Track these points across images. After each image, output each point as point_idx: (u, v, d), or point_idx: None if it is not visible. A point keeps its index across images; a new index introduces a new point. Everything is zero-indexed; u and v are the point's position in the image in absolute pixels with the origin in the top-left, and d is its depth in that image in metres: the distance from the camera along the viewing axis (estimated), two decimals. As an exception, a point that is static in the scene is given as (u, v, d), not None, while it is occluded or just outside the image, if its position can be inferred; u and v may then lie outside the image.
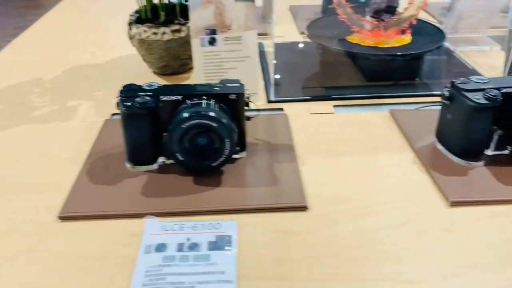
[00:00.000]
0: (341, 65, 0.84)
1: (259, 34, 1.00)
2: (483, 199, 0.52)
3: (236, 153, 0.58)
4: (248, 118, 0.60)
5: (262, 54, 0.91)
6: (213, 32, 0.72)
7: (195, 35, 0.72)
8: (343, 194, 0.54)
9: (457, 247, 0.46)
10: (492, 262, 0.45)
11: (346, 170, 0.58)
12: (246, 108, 0.57)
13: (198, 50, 0.72)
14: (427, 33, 0.85)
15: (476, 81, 0.57)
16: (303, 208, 0.51)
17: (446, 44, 0.95)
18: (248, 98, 0.57)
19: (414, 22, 0.78)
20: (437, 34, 0.85)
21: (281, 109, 0.73)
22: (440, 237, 0.47)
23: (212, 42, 0.72)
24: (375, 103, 0.74)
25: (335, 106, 0.74)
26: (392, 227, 0.49)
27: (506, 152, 0.57)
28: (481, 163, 0.57)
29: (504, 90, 0.55)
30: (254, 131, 0.65)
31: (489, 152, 0.58)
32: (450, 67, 0.89)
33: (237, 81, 0.58)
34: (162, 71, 0.84)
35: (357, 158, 0.60)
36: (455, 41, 0.97)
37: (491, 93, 0.54)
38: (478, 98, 0.54)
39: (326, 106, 0.74)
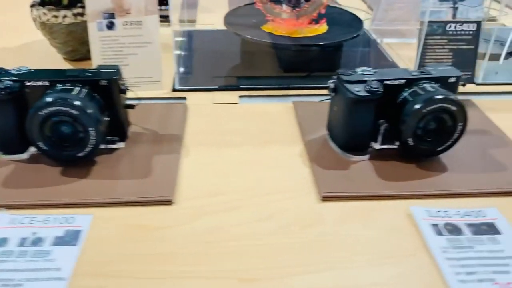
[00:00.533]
0: (255, 55, 0.82)
1: (188, 21, 0.98)
2: (354, 194, 0.50)
3: (112, 143, 0.55)
4: (130, 106, 0.57)
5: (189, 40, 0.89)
6: (111, 16, 0.68)
7: (92, 19, 0.68)
8: (218, 188, 0.51)
9: (316, 243, 0.45)
10: (350, 259, 0.43)
11: (232, 162, 0.56)
12: (124, 95, 0.55)
13: (96, 35, 0.69)
14: (347, 23, 0.83)
15: (361, 72, 0.55)
16: (167, 202, 0.49)
17: (374, 35, 0.94)
18: (124, 85, 0.54)
19: (323, 11, 0.76)
20: (357, 24, 0.83)
21: (184, 98, 0.71)
22: (301, 232, 0.46)
23: (110, 26, 0.69)
24: (283, 95, 0.72)
25: (242, 96, 0.72)
26: (256, 221, 0.47)
27: (394, 146, 0.56)
28: (366, 157, 0.56)
29: (387, 83, 0.54)
30: (144, 120, 0.62)
31: (377, 146, 0.56)
32: (369, 59, 0.87)
33: (115, 66, 0.55)
34: (71, 57, 0.80)
35: (247, 150, 0.58)
36: (384, 33, 0.96)
37: (371, 85, 0.52)
38: (359, 90, 0.52)
39: (232, 96, 0.71)
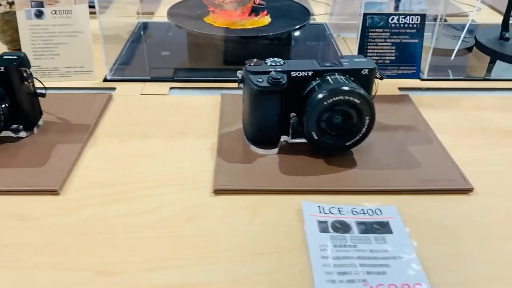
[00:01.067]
0: (194, 47, 0.80)
1: (143, 13, 0.97)
2: (247, 188, 0.48)
3: (16, 131, 0.54)
4: (40, 95, 0.56)
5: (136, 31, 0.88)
6: (39, 4, 0.68)
7: (20, 7, 0.68)
8: (112, 179, 0.50)
9: (193, 238, 0.43)
10: (222, 254, 0.41)
11: (137, 154, 0.54)
12: (28, 84, 0.54)
13: (24, 24, 0.68)
14: (294, 16, 0.81)
15: (270, 63, 0.53)
16: (53, 192, 0.47)
17: (331, 29, 0.92)
18: (27, 72, 0.53)
19: (257, 2, 0.74)
20: (304, 17, 0.81)
21: (114, 89, 0.70)
22: (181, 226, 0.44)
23: (39, 15, 0.68)
24: (216, 87, 0.70)
25: (172, 88, 0.70)
26: (138, 214, 0.45)
27: (304, 140, 0.53)
28: (274, 151, 0.54)
29: (293, 74, 0.51)
30: (61, 110, 0.61)
31: (288, 139, 0.54)
32: (318, 52, 0.85)
33: (20, 53, 0.54)
34: (13, 46, 0.79)
35: (158, 142, 0.57)
36: (343, 27, 0.94)
37: (273, 76, 0.50)
38: (261, 81, 0.51)
39: (162, 88, 0.70)
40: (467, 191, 0.49)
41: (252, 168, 0.51)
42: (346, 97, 0.49)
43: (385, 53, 0.73)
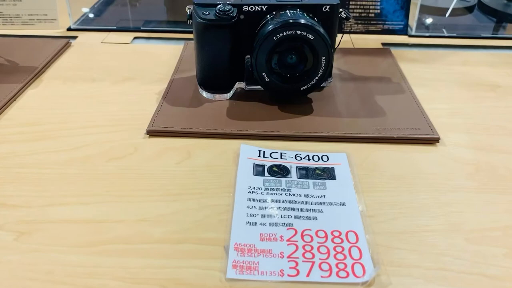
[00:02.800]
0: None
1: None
2: (182, 130, 0.43)
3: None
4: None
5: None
6: None
7: None
8: (44, 118, 0.46)
9: (109, 176, 0.38)
10: (137, 193, 0.36)
11: (77, 97, 0.50)
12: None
13: (-17, -34, 0.65)
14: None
15: (223, -3, 0.48)
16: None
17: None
18: None
19: None
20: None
21: (75, 37, 0.66)
22: (101, 165, 0.40)
23: (-2, -43, 0.65)
24: (183, 38, 0.65)
25: (136, 38, 0.66)
26: (58, 151, 0.41)
27: (259, 87, 0.48)
28: (225, 96, 0.49)
29: (246, 8, 0.46)
30: (10, 53, 0.57)
31: (244, 85, 0.49)
32: None
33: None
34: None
35: (105, 86, 0.52)
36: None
37: (222, 9, 0.45)
38: (207, 13, 0.46)
39: (126, 37, 0.66)
40: (432, 141, 0.43)
41: (196, 112, 0.47)
42: (298, 32, 0.43)
43: (369, 5, 0.67)
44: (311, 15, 0.46)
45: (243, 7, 0.46)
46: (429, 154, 0.42)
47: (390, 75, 0.55)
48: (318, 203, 0.35)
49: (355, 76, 0.55)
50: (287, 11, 0.45)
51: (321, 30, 0.44)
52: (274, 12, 0.46)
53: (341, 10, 0.48)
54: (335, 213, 0.35)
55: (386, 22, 0.68)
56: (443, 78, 0.55)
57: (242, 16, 0.47)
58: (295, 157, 0.41)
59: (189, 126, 0.44)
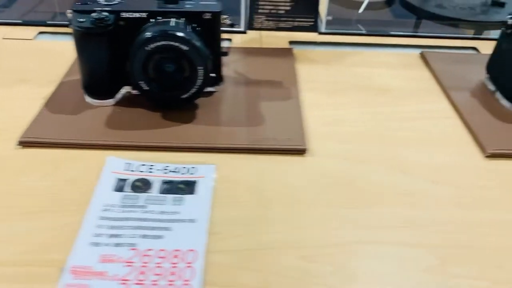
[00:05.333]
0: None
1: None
2: (52, 141, 0.43)
3: None
4: None
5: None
6: None
7: None
8: None
9: None
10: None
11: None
12: None
13: None
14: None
15: (105, 2, 0.47)
16: None
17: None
18: None
19: None
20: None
21: (-22, 32, 0.64)
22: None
23: None
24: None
25: (42, 33, 0.65)
26: None
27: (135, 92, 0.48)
28: (109, 101, 0.49)
29: (125, 15, 0.46)
30: None
31: (131, 90, 0.49)
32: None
33: None
34: None
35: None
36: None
37: (97, 16, 0.45)
38: (83, 21, 0.45)
39: (30, 32, 0.64)
40: (300, 152, 0.44)
41: (74, 120, 0.46)
42: (172, 43, 0.43)
43: (279, 2, 0.67)
44: (193, 24, 0.46)
45: (122, 14, 0.46)
46: (295, 165, 0.43)
47: (284, 79, 0.55)
48: (169, 221, 0.36)
49: (249, 80, 0.55)
50: (170, 20, 0.45)
51: (196, 41, 0.44)
52: (154, 20, 0.46)
53: (225, 17, 0.48)
54: (183, 231, 0.36)
55: (296, 19, 0.68)
56: (338, 81, 0.56)
57: (122, 23, 0.46)
58: (164, 169, 0.41)
59: (60, 136, 0.44)
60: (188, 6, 0.47)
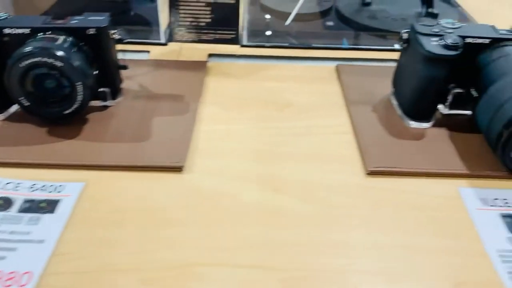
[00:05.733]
0: None
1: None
2: None
3: None
4: None
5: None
6: None
7: None
8: None
9: None
10: None
11: None
12: None
13: None
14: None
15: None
16: None
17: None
18: None
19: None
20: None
21: None
22: None
23: None
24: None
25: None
26: None
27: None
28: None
29: (7, 31, 0.46)
30: None
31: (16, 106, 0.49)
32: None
33: None
34: None
35: None
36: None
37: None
38: None
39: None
40: (177, 169, 0.44)
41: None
42: (44, 59, 0.43)
43: (199, 14, 0.67)
44: (77, 39, 0.46)
45: (4, 30, 0.46)
46: (167, 184, 0.42)
47: (188, 93, 0.55)
48: (17, 241, 0.36)
49: (150, 94, 0.54)
50: (47, 35, 0.45)
51: (71, 57, 0.44)
52: (36, 35, 0.46)
53: (114, 31, 0.48)
54: (27, 252, 0.35)
55: (218, 32, 0.68)
56: (243, 96, 0.56)
57: (6, 39, 0.46)
58: (31, 187, 0.41)
59: None
60: (72, 22, 0.47)
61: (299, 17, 0.75)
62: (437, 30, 0.48)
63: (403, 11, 0.78)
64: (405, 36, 0.50)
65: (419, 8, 0.78)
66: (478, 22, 0.76)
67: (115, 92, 0.52)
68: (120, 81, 0.53)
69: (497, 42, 0.47)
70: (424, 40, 0.47)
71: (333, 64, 0.63)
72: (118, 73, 0.52)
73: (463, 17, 0.80)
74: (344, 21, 0.76)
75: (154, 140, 0.47)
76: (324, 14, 0.79)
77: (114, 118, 0.50)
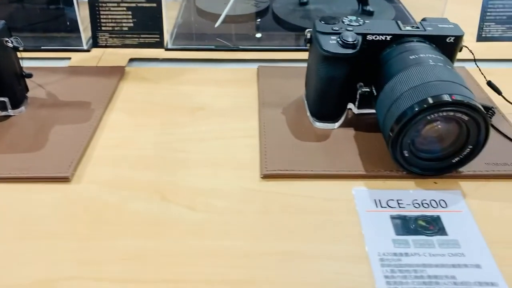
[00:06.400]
0: None
1: None
2: None
3: None
4: None
5: None
6: None
7: None
8: None
9: None
10: None
11: None
12: None
13: None
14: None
15: None
16: None
17: None
18: None
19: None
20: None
21: None
22: None
23: None
24: None
25: None
26: None
27: None
28: None
29: None
30: None
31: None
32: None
33: None
34: None
35: None
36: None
37: None
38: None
39: None
40: (63, 179, 0.42)
41: None
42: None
43: (121, 19, 0.65)
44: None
45: None
46: (52, 195, 0.41)
47: (96, 99, 0.53)
48: None
49: (57, 102, 0.53)
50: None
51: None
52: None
53: (5, 40, 0.47)
54: None
55: (141, 36, 0.66)
56: (154, 100, 0.54)
57: None
58: None
59: None
60: None
61: (234, 19, 0.74)
62: (337, 28, 0.47)
63: (339, 10, 0.77)
64: (308, 35, 0.48)
65: (356, 6, 0.77)
66: (416, 18, 0.75)
67: (17, 101, 0.50)
68: (25, 89, 0.52)
69: (399, 38, 0.46)
70: (322, 39, 0.46)
71: (255, 65, 0.62)
72: (20, 81, 0.51)
73: (401, 13, 0.79)
74: (278, 21, 0.75)
75: (46, 150, 0.45)
76: (259, 15, 0.78)
77: (12, 128, 0.48)
